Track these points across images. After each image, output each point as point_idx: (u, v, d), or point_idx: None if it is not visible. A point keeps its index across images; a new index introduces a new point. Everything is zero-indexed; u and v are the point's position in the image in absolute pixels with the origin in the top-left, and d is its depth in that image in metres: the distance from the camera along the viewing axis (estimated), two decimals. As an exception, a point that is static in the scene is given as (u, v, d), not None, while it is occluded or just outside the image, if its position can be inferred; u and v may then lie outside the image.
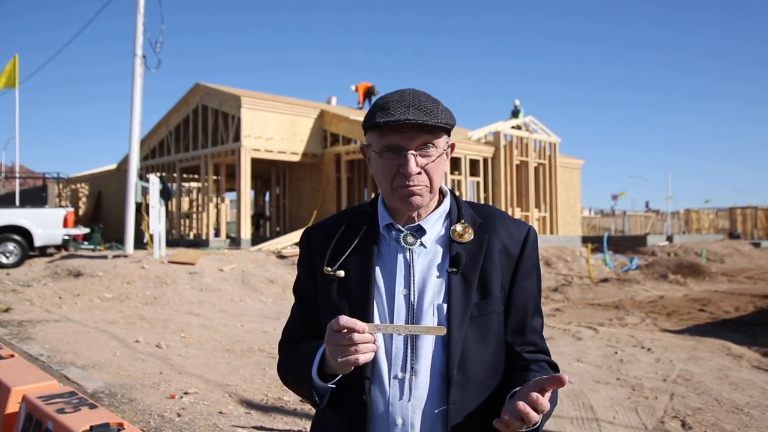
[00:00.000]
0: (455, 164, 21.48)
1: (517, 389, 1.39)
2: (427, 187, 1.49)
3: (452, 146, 1.58)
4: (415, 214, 1.54)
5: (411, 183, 1.46)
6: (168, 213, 18.95)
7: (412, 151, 1.45)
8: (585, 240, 26.43)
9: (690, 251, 26.51)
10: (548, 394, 1.32)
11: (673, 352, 8.26)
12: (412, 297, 1.48)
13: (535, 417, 1.30)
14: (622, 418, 5.41)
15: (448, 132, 1.52)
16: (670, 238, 31.30)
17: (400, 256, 1.52)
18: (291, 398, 5.52)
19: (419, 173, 1.46)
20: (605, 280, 18.22)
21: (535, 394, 1.30)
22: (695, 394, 6.18)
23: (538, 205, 24.08)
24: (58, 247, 15.54)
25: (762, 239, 35.23)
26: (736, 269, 23.28)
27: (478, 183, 22.34)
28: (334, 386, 1.45)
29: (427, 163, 1.47)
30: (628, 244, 29.10)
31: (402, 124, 1.42)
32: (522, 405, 1.29)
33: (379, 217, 1.58)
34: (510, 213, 17.44)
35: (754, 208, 39.44)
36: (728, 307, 13.17)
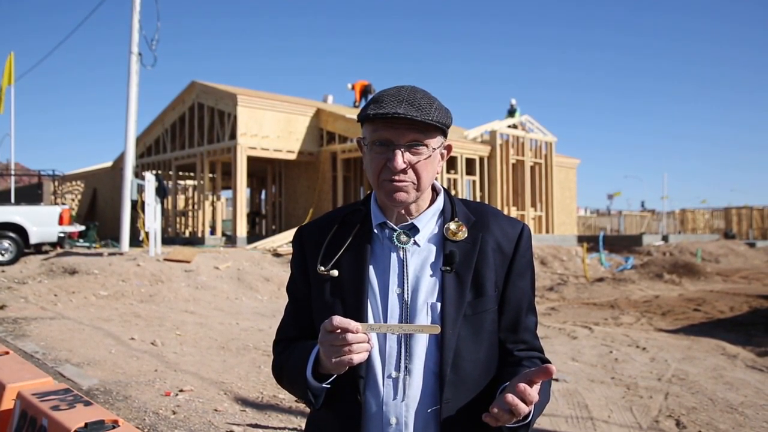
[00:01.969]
0: (451, 163, 21.48)
1: (507, 384, 1.39)
2: (413, 184, 1.47)
3: (449, 148, 1.57)
4: (404, 211, 1.53)
5: (396, 178, 1.45)
6: (163, 211, 18.91)
7: (401, 147, 1.44)
8: (580, 239, 26.48)
9: (685, 251, 26.58)
10: (537, 386, 1.32)
11: (667, 352, 8.28)
12: (405, 296, 1.47)
13: (524, 408, 1.29)
14: (616, 417, 5.42)
15: (442, 132, 1.50)
16: (665, 238, 31.37)
17: (394, 255, 1.51)
18: (286, 396, 5.52)
19: (406, 170, 1.45)
20: (600, 280, 18.25)
21: (522, 385, 1.30)
22: (690, 393, 6.20)
23: (534, 205, 24.11)
24: (53, 245, 15.50)
25: (757, 239, 35.36)
26: (731, 269, 23.35)
27: (474, 182, 22.36)
28: (328, 386, 1.44)
29: (416, 161, 1.45)
30: (623, 244, 29.16)
31: (392, 118, 1.41)
32: (510, 397, 1.29)
33: (372, 215, 1.57)
34: (506, 212, 17.50)
35: (749, 208, 39.57)
36: (723, 306, 13.21)
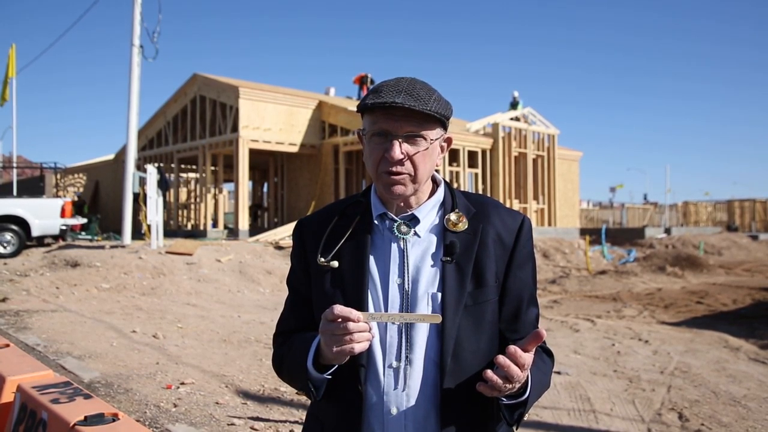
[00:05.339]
0: (454, 156, 21.45)
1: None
2: (410, 176, 1.46)
3: (449, 140, 1.56)
4: (404, 203, 1.52)
5: (394, 170, 1.44)
6: (165, 203, 18.92)
7: (399, 138, 1.43)
8: (583, 232, 26.45)
9: (688, 244, 26.55)
10: (531, 354, 1.33)
11: (670, 345, 8.27)
12: (406, 286, 1.46)
13: (516, 371, 1.29)
14: (619, 409, 5.41)
15: (442, 124, 1.49)
16: (668, 231, 31.34)
17: (394, 246, 1.50)
18: (287, 389, 5.52)
19: (403, 161, 1.44)
20: (603, 273, 18.23)
21: (513, 347, 1.30)
22: (692, 386, 6.18)
23: (536, 197, 24.08)
24: (55, 237, 15.52)
25: (760, 232, 35.30)
26: (734, 262, 23.32)
27: (476, 174, 22.33)
28: (329, 377, 1.43)
29: (414, 153, 1.44)
30: (626, 237, 29.14)
31: (389, 107, 1.40)
32: (501, 358, 1.30)
33: (372, 206, 1.56)
34: (508, 205, 17.50)
35: (752, 200, 39.47)
36: (726, 299, 13.19)
